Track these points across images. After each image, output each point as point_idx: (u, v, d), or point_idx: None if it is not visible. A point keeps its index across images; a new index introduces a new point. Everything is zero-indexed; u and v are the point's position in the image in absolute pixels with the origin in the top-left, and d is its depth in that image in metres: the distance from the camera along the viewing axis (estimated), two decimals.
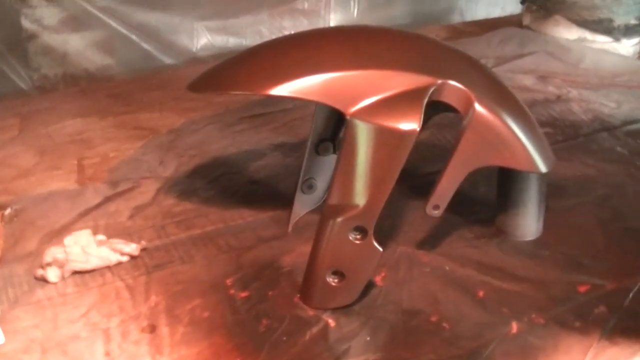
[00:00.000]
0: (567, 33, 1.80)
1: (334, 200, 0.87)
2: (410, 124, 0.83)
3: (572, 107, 1.50)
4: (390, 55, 0.90)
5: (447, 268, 1.00)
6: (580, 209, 1.14)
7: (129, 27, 1.88)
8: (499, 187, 1.05)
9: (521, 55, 1.76)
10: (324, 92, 0.85)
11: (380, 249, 0.89)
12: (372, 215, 0.86)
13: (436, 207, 0.92)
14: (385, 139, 0.84)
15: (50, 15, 1.80)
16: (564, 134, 1.38)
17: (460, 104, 0.89)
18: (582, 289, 0.96)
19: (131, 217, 1.16)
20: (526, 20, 1.89)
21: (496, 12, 2.27)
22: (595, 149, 1.33)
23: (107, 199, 1.21)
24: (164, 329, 0.91)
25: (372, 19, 2.15)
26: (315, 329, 0.90)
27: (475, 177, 0.94)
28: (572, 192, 1.18)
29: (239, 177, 1.27)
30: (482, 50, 1.80)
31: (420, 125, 0.84)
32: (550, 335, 0.88)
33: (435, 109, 0.92)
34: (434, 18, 2.22)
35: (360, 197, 0.86)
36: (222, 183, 1.25)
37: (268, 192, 1.20)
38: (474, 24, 2.10)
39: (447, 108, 0.91)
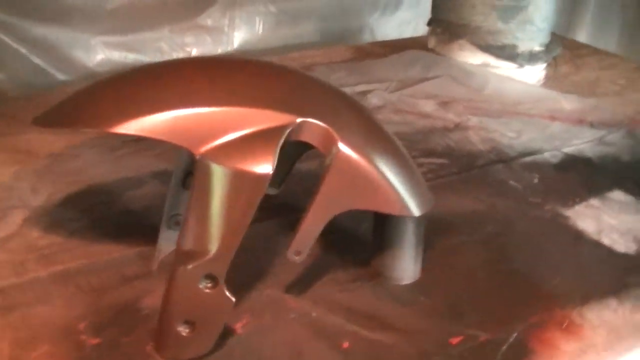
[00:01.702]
0: (472, 57, 1.76)
1: (183, 245, 0.82)
2: (262, 167, 0.78)
3: (471, 136, 1.46)
4: (246, 90, 0.84)
5: (314, 315, 0.95)
6: (465, 248, 1.10)
7: (21, 41, 1.79)
8: (374, 227, 1.00)
9: (425, 79, 1.72)
10: (172, 131, 0.80)
11: (233, 299, 0.83)
12: (223, 262, 0.81)
13: (298, 252, 0.86)
14: (236, 181, 0.79)
15: None
16: (459, 166, 1.34)
17: (322, 144, 0.84)
18: (454, 340, 0.92)
19: None
20: (431, 43, 1.86)
21: (408, 32, 2.24)
22: (490, 182, 1.29)
23: None
24: None
25: (278, 37, 2.10)
26: None
27: (356, 212, 0.89)
28: (459, 229, 1.14)
29: (113, 207, 1.20)
30: (386, 72, 1.75)
31: (274, 167, 0.78)
32: None
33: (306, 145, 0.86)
34: (343, 37, 2.18)
35: (209, 243, 0.81)
36: (94, 214, 1.18)
37: (140, 225, 1.13)
38: (381, 44, 2.06)
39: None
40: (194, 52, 2.03)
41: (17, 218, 1.17)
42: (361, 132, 0.88)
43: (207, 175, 0.79)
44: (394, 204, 0.89)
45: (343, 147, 0.84)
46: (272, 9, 2.10)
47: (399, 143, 0.94)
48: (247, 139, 0.80)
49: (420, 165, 1.32)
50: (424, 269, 1.03)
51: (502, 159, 1.39)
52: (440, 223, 1.13)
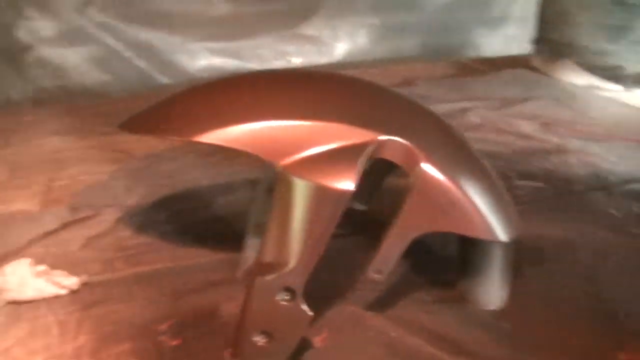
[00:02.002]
0: (576, 78, 1.72)
1: (263, 257, 0.82)
2: (344, 184, 0.78)
3: (570, 159, 1.42)
4: (331, 105, 0.84)
5: (393, 334, 0.94)
6: (555, 278, 1.06)
7: (127, 45, 1.85)
8: (460, 249, 0.98)
9: (526, 99, 1.69)
10: (254, 143, 0.80)
11: (310, 313, 0.83)
12: (301, 276, 0.81)
13: (379, 271, 0.85)
14: (317, 196, 0.78)
15: (45, 28, 1.78)
16: (555, 190, 1.31)
17: (406, 163, 0.83)
18: None
19: (83, 247, 1.12)
20: (535, 62, 1.83)
21: (513, 49, 2.19)
22: (587, 209, 1.25)
23: (64, 226, 1.18)
24: None
25: (380, 50, 2.10)
26: None
27: (443, 233, 0.88)
28: (550, 257, 1.11)
29: (203, 212, 1.22)
30: (487, 90, 1.73)
31: (356, 184, 0.78)
32: None
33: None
34: (446, 51, 2.15)
35: (288, 256, 0.81)
36: (184, 217, 1.20)
37: (229, 232, 1.14)
38: (483, 61, 2.03)
39: None
40: (295, 61, 2.04)
41: (110, 217, 1.20)
42: (447, 153, 0.87)
43: (287, 188, 0.79)
44: (479, 227, 0.87)
45: (427, 167, 0.83)
46: (376, 21, 2.09)
47: (487, 165, 0.92)
48: (330, 154, 0.80)
49: (516, 187, 1.30)
50: (511, 296, 1.00)
51: (602, 185, 1.34)
52: (531, 249, 1.10)
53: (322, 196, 0.78)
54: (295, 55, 2.03)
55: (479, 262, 0.95)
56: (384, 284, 1.00)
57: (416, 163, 0.83)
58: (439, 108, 1.53)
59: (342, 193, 0.78)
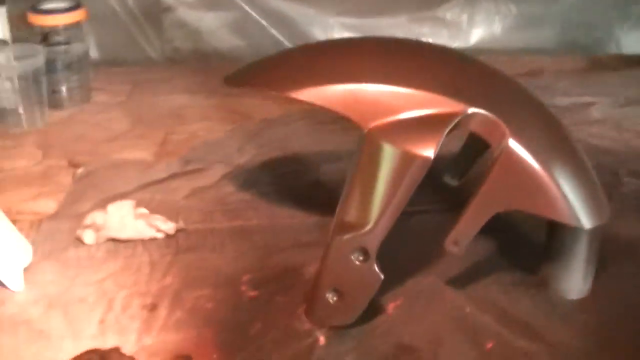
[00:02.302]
0: None
1: (342, 216, 0.85)
2: (425, 151, 0.79)
3: None
4: (423, 74, 0.86)
5: (467, 310, 0.94)
6: None
7: (263, 13, 1.89)
8: (547, 234, 0.97)
9: None
10: (345, 103, 0.83)
11: (382, 276, 0.85)
12: (376, 237, 0.83)
13: (456, 243, 0.86)
14: (397, 161, 0.80)
15: None
16: None
17: (492, 137, 0.84)
18: None
19: (187, 197, 1.18)
20: None
21: None
22: None
23: (173, 176, 1.24)
24: (163, 310, 0.92)
25: (516, 38, 2.06)
26: (302, 344, 0.88)
27: (534, 216, 0.89)
28: None
29: (306, 177, 1.25)
30: (615, 86, 1.69)
31: (436, 153, 0.79)
32: None
33: None
34: (585, 46, 2.09)
35: (365, 217, 0.83)
36: (287, 180, 1.24)
37: (327, 197, 1.16)
38: (619, 57, 1.97)
39: None
40: None
41: (217, 172, 1.26)
42: (536, 132, 0.87)
43: (371, 150, 0.82)
44: (561, 211, 0.86)
45: (513, 144, 0.83)
46: (514, 9, 2.06)
47: (581, 151, 0.90)
48: (416, 121, 0.82)
49: (623, 184, 1.27)
50: (595, 288, 0.98)
51: None
52: (626, 245, 1.08)
53: (403, 161, 0.80)
54: (430, 37, 2.03)
55: (563, 248, 0.94)
56: (467, 261, 1.01)
57: (502, 138, 0.83)
58: (561, 101, 1.53)
59: (423, 160, 0.79)
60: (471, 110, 0.82)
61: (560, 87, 1.68)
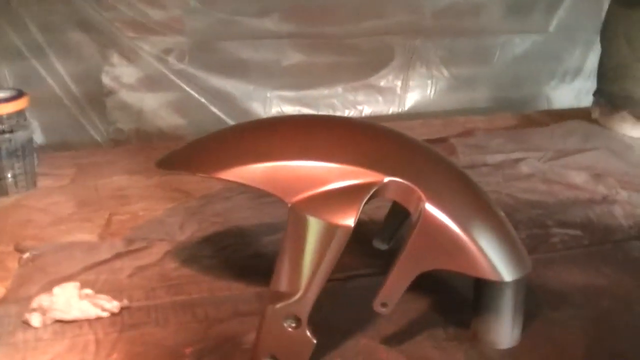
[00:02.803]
0: (633, 130, 1.74)
1: (274, 285, 0.89)
2: (345, 221, 0.84)
3: (615, 210, 1.44)
4: (339, 148, 0.91)
5: None
6: (573, 323, 1.08)
7: (202, 91, 1.96)
8: (474, 288, 1.02)
9: (582, 150, 1.71)
10: (268, 180, 0.88)
11: (314, 340, 0.89)
12: (305, 305, 0.87)
13: (384, 304, 0.91)
14: (321, 232, 0.85)
15: (129, 74, 1.91)
16: (592, 239, 1.33)
17: (409, 203, 0.89)
18: None
19: (131, 275, 1.21)
20: (595, 114, 1.85)
21: (586, 102, 2.20)
22: (621, 259, 1.27)
23: (117, 256, 1.27)
24: None
25: (450, 101, 2.15)
26: None
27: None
28: (572, 302, 1.13)
29: (246, 249, 1.29)
30: (544, 141, 1.76)
31: (356, 222, 0.84)
32: None
33: None
34: (517, 104, 2.18)
35: (295, 285, 0.87)
36: (227, 253, 1.28)
37: (266, 268, 1.19)
38: (547, 113, 2.06)
39: None
40: (366, 110, 2.11)
41: (160, 250, 1.30)
42: (451, 194, 0.92)
43: (296, 223, 0.87)
44: (482, 267, 0.91)
45: (429, 207, 0.88)
46: (446, 73, 2.15)
47: (495, 206, 0.96)
48: (335, 193, 0.87)
49: (552, 235, 1.33)
50: (524, 337, 1.03)
51: None
52: (553, 294, 1.13)
53: (326, 231, 0.85)
54: (365, 105, 2.10)
55: (489, 301, 0.99)
56: (402, 320, 1.06)
57: (419, 203, 0.88)
58: (493, 158, 1.60)
59: (343, 229, 0.84)
60: (387, 179, 0.88)
61: (492, 145, 1.75)
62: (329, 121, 1.02)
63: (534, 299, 1.08)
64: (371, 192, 0.87)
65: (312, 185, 0.87)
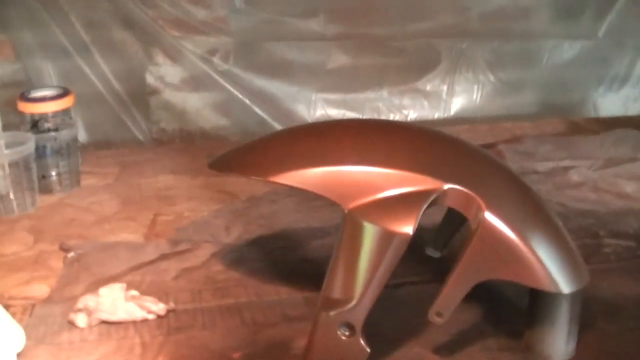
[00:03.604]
0: None
1: (327, 292, 0.87)
2: (404, 228, 0.82)
3: None
4: (398, 153, 0.89)
5: None
6: (628, 336, 1.05)
7: (246, 92, 1.94)
8: (529, 299, 0.99)
9: (633, 159, 1.67)
10: (325, 185, 0.86)
11: (368, 350, 0.87)
12: (360, 313, 0.86)
13: (439, 314, 0.89)
14: (378, 239, 0.83)
15: (173, 73, 1.90)
16: None
17: (469, 211, 0.87)
18: None
19: (176, 277, 1.19)
20: None
21: (634, 109, 2.16)
22: None
23: (163, 257, 1.26)
24: None
25: (496, 106, 2.11)
26: None
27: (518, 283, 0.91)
28: (628, 315, 1.10)
29: (294, 253, 1.28)
30: (593, 149, 1.73)
31: (414, 229, 0.82)
32: None
33: None
34: (563, 109, 2.15)
35: (349, 292, 0.86)
36: (275, 256, 1.27)
37: (314, 273, 1.18)
38: (596, 121, 2.03)
39: None
40: (411, 115, 2.09)
41: (206, 252, 1.28)
42: (512, 204, 0.90)
43: (353, 229, 0.85)
44: (540, 278, 0.89)
45: (489, 216, 0.86)
46: (492, 78, 2.12)
47: (555, 217, 0.94)
48: (394, 200, 0.85)
49: (605, 245, 1.30)
50: (579, 350, 1.00)
51: None
52: (608, 306, 1.10)
53: (383, 238, 0.83)
54: (410, 109, 2.08)
55: (544, 313, 0.97)
56: (454, 329, 1.04)
57: (479, 211, 0.86)
58: (542, 165, 1.57)
59: (401, 237, 0.82)
60: (447, 186, 0.86)
61: (541, 152, 1.73)
62: (386, 126, 1.00)
63: (588, 311, 1.04)
64: (430, 200, 0.84)
65: (370, 191, 0.85)
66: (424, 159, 0.90)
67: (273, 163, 0.91)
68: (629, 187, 1.55)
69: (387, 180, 0.86)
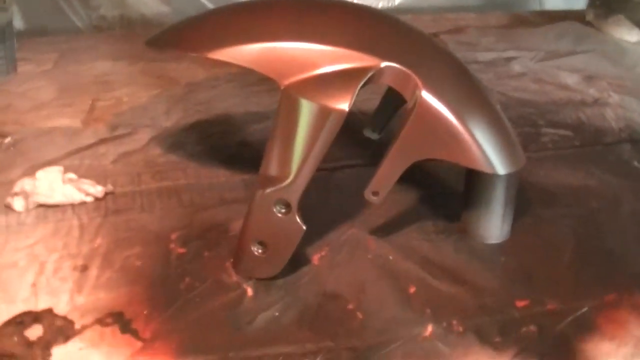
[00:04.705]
0: (628, 34, 1.71)
1: (264, 170, 0.87)
2: (340, 104, 0.82)
3: (607, 112, 1.42)
4: (336, 30, 0.88)
5: (391, 258, 0.97)
6: (562, 221, 1.07)
7: None
8: (465, 183, 1.00)
9: (574, 53, 1.68)
10: (262, 61, 0.85)
11: (304, 227, 0.87)
12: (296, 190, 0.85)
13: (375, 193, 0.89)
14: (314, 115, 0.83)
15: None
16: (583, 140, 1.31)
17: (405, 89, 0.87)
18: (519, 303, 0.91)
19: (115, 161, 1.19)
20: (589, 16, 1.82)
21: (580, 3, 2.15)
22: (611, 160, 1.25)
23: (101, 141, 1.24)
24: (93, 271, 0.94)
25: None
26: (230, 296, 0.90)
27: (458, 167, 0.92)
28: (561, 201, 1.12)
29: (233, 137, 1.27)
30: (536, 41, 1.74)
31: (351, 106, 0.81)
32: (461, 345, 0.84)
33: None
34: (509, 3, 2.14)
35: (285, 170, 0.85)
36: (213, 140, 1.26)
37: (252, 157, 1.18)
38: (539, 14, 2.03)
39: None
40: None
41: (145, 136, 1.27)
42: (449, 83, 0.90)
43: (289, 106, 0.84)
44: (476, 158, 0.89)
45: (426, 95, 0.85)
46: None
47: (492, 100, 0.94)
48: (331, 76, 0.84)
49: (543, 134, 1.31)
50: (513, 233, 1.03)
51: (633, 138, 1.34)
52: (544, 193, 1.12)
53: (319, 115, 0.82)
54: None
55: (480, 195, 0.98)
56: (391, 212, 1.05)
57: (415, 89, 0.85)
58: (484, 56, 1.57)
59: (337, 113, 0.81)
60: (384, 64, 0.85)
61: (484, 43, 1.73)
62: (325, 3, 0.97)
63: (525, 197, 1.07)
64: (367, 77, 0.84)
65: (307, 67, 0.84)
66: (361, 36, 0.89)
67: (210, 39, 0.89)
68: (570, 79, 1.56)
69: (324, 57, 0.85)
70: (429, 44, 0.94)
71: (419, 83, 0.85)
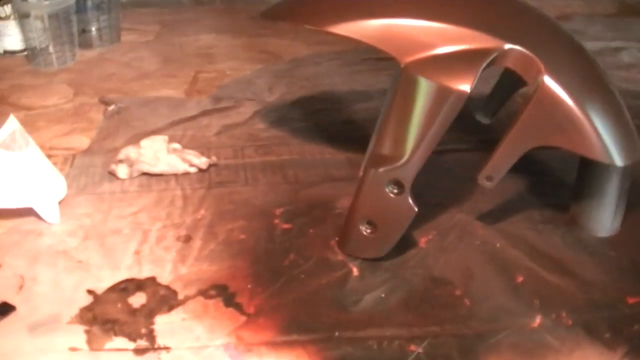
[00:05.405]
0: None
1: (377, 149, 0.85)
2: (462, 85, 0.79)
3: None
4: (459, 10, 0.85)
5: (498, 245, 0.95)
6: None
7: None
8: (578, 173, 0.97)
9: None
10: (382, 38, 0.83)
11: (415, 209, 0.85)
12: (410, 170, 0.83)
13: (489, 178, 0.87)
14: (434, 95, 0.80)
15: None
16: None
17: (527, 74, 0.84)
18: (631, 300, 0.87)
19: (218, 133, 1.19)
20: None
21: None
22: None
23: (204, 113, 1.25)
24: (197, 242, 0.93)
25: None
26: (336, 275, 0.89)
27: (568, 157, 0.89)
28: None
29: (336, 115, 1.26)
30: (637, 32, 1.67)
31: (472, 87, 0.79)
32: (570, 339, 0.81)
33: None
34: None
35: (401, 149, 0.83)
36: (318, 117, 1.25)
37: (357, 135, 1.18)
38: None
39: None
40: None
41: (248, 110, 1.27)
42: (572, 70, 0.86)
43: (407, 85, 0.82)
44: (594, 147, 0.86)
45: (548, 80, 0.83)
46: None
47: (614, 89, 0.90)
48: (453, 56, 0.82)
49: None
50: (624, 227, 0.99)
51: None
52: None
53: (439, 95, 0.80)
54: None
55: (594, 187, 0.95)
56: (499, 199, 1.03)
57: (538, 74, 0.83)
58: (592, 45, 1.52)
59: (458, 94, 0.79)
60: (508, 46, 0.83)
61: (592, 32, 1.68)
62: None
63: (635, 191, 1.02)
64: (490, 58, 0.81)
65: (429, 46, 0.82)
66: (487, 17, 0.86)
67: (330, 13, 0.87)
68: None
69: (446, 36, 0.82)
70: (551, 26, 0.91)
71: (542, 67, 0.82)
